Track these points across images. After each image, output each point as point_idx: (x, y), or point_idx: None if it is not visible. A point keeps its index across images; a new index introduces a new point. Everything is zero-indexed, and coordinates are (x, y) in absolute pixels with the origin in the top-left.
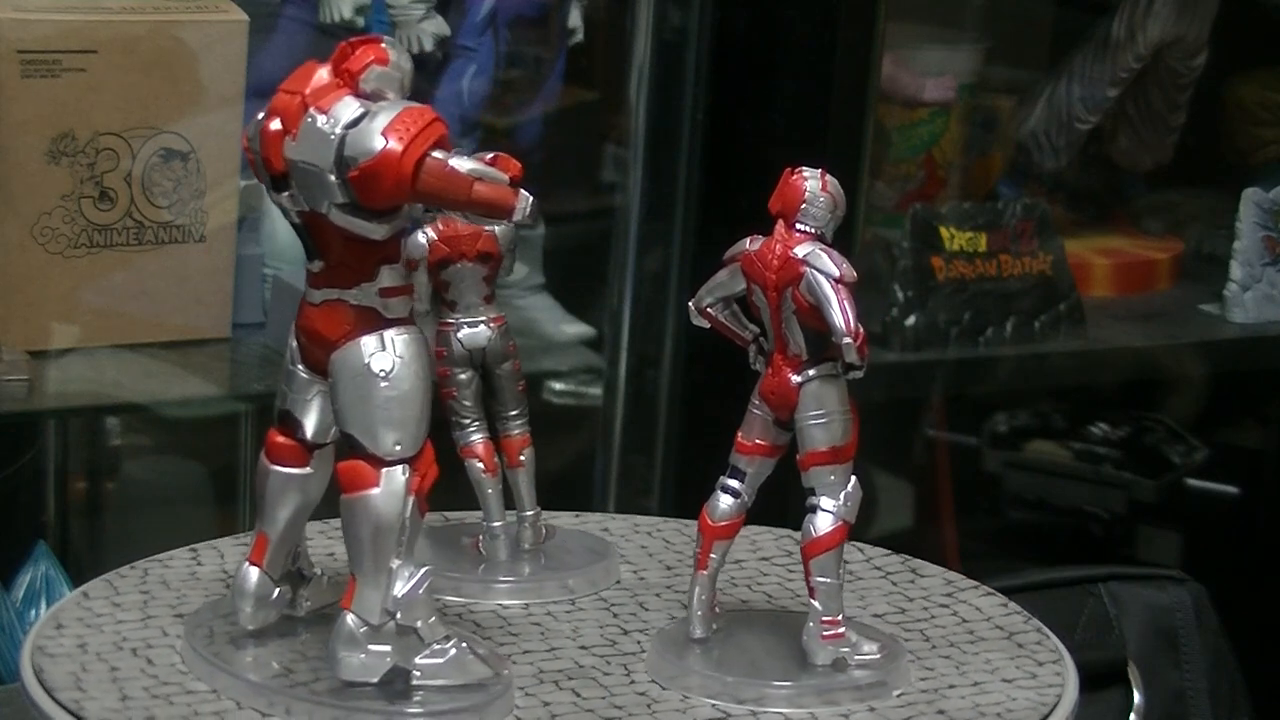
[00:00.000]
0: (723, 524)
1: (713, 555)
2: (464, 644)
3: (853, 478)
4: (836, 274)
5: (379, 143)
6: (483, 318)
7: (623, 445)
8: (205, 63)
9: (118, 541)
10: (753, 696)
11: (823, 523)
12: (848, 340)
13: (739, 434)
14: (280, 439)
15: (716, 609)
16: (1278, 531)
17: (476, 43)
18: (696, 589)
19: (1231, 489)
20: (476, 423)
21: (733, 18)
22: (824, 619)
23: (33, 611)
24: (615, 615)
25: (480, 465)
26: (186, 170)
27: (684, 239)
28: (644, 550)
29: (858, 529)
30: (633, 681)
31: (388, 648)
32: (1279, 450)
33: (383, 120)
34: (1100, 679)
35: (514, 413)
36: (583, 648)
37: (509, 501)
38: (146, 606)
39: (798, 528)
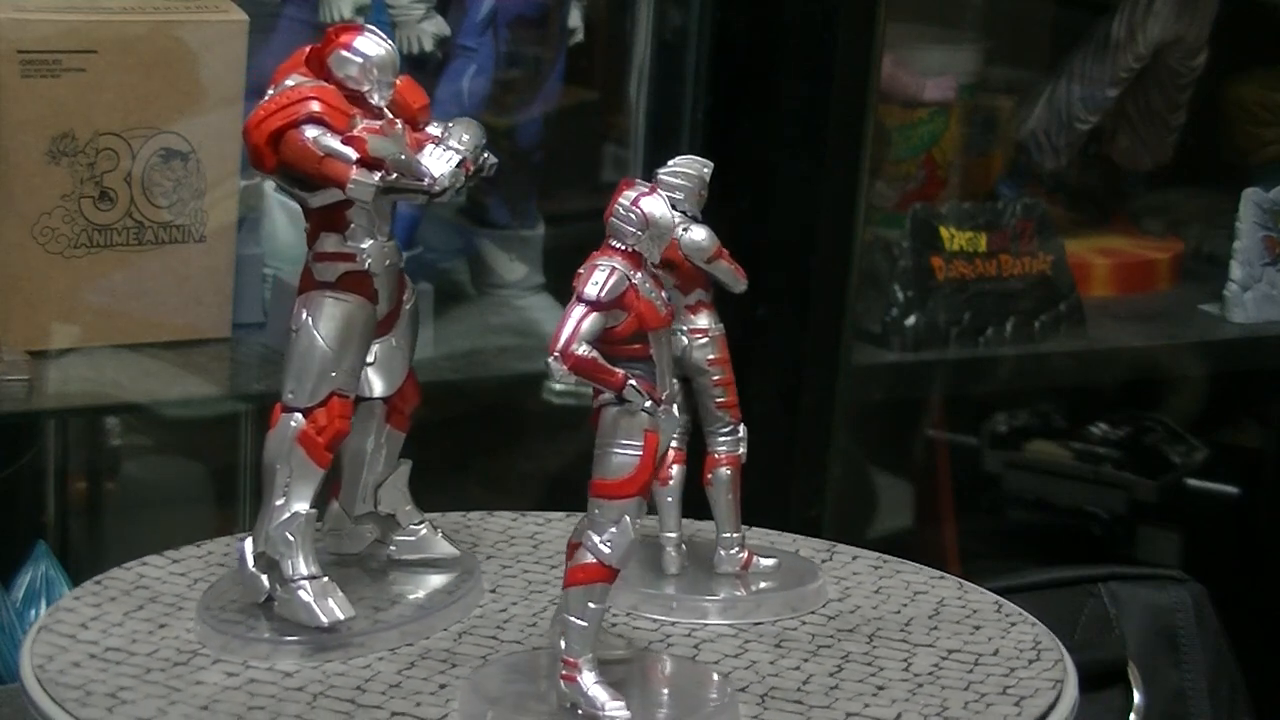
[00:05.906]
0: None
1: None
2: (334, 592)
3: (625, 519)
4: (579, 290)
5: (249, 115)
6: (683, 326)
7: None
8: (205, 63)
9: (118, 541)
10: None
11: (580, 557)
12: (549, 359)
13: None
14: None
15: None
16: (1278, 531)
17: (476, 43)
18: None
19: (1231, 489)
20: None
21: (733, 18)
22: (564, 658)
23: (33, 611)
24: (655, 624)
25: None
26: (186, 170)
27: None
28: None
29: (858, 528)
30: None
31: (264, 576)
32: (1279, 450)
33: (270, 95)
34: (1100, 679)
35: (710, 428)
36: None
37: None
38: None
39: (800, 531)
